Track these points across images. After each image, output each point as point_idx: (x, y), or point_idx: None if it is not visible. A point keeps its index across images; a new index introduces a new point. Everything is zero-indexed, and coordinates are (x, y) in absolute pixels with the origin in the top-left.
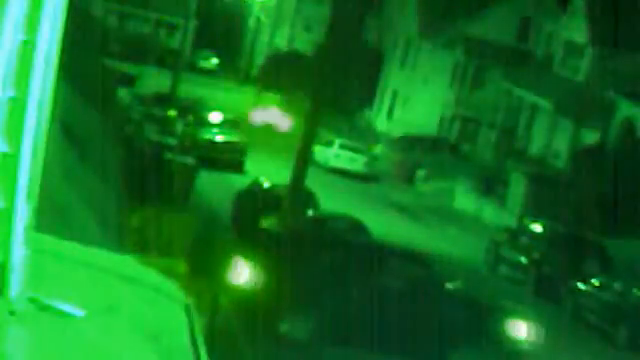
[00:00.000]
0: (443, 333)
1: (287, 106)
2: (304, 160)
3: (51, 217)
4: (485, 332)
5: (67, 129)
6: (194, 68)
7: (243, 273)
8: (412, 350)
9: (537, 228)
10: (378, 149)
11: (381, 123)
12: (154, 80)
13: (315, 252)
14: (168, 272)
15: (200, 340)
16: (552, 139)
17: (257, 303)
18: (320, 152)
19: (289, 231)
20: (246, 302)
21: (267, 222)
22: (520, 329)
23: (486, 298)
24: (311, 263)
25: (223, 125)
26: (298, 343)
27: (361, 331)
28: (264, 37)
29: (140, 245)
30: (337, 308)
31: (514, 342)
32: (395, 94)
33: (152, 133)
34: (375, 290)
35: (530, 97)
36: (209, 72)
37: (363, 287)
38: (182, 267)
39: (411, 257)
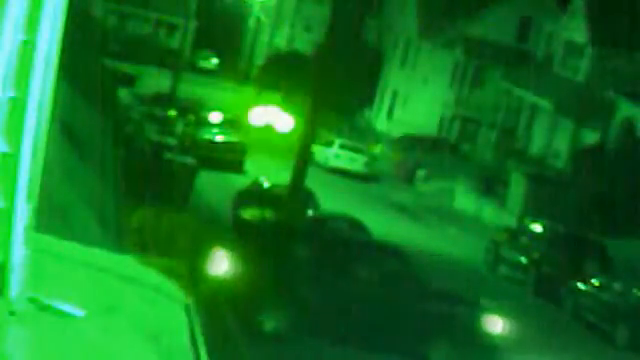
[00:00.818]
0: (423, 328)
1: (287, 106)
2: (304, 160)
3: (51, 217)
4: (465, 327)
5: (67, 129)
6: (194, 68)
7: (223, 266)
8: (391, 345)
9: (537, 228)
10: (378, 149)
11: (381, 123)
12: (154, 80)
13: (297, 246)
14: (168, 272)
15: (200, 340)
16: (552, 139)
17: (238, 296)
18: (320, 152)
19: (269, 222)
20: (226, 296)
21: (248, 213)
22: (499, 325)
23: (468, 294)
24: (291, 257)
25: (223, 125)
26: (280, 338)
27: (340, 326)
28: (264, 37)
29: (140, 245)
30: (316, 302)
31: (493, 337)
32: (395, 94)
33: (152, 133)
34: (357, 285)
35: (530, 97)
36: (209, 72)
37: (343, 282)
38: (182, 267)
39: (392, 253)
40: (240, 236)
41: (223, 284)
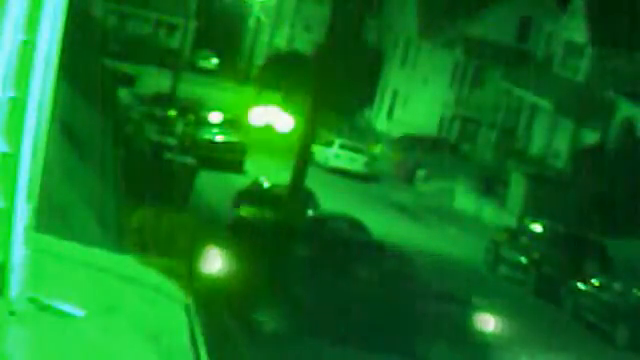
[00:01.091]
0: (419, 326)
1: (287, 106)
2: (304, 160)
3: (51, 217)
4: (464, 327)
5: (67, 129)
6: (194, 68)
7: (220, 264)
8: (391, 345)
9: (537, 228)
10: (378, 149)
11: (381, 123)
12: (154, 80)
13: (297, 246)
14: (168, 272)
15: (200, 340)
16: (552, 139)
17: (233, 295)
18: (320, 152)
19: (266, 219)
20: (223, 294)
21: (244, 211)
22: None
23: (467, 294)
24: (290, 255)
25: (223, 125)
26: (276, 336)
27: (336, 324)
28: (264, 37)
29: (140, 245)
30: (315, 302)
31: (493, 337)
32: (395, 94)
33: (152, 133)
34: (352, 283)
35: (530, 97)
36: (209, 72)
37: (343, 282)
38: (182, 267)
39: (390, 252)
40: (236, 233)
41: (220, 282)
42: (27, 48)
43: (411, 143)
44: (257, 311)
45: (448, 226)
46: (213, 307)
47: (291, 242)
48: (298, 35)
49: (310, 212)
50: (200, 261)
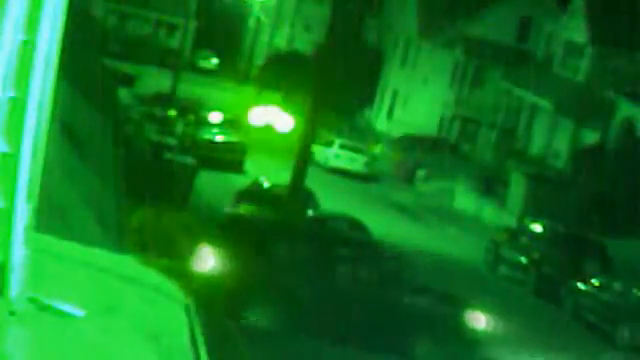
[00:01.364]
0: (409, 325)
1: (287, 106)
2: (304, 160)
3: (51, 217)
4: (458, 326)
5: (67, 129)
6: (194, 68)
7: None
8: (378, 343)
9: (537, 228)
10: (378, 149)
11: (381, 123)
12: (154, 80)
13: (297, 246)
14: (168, 272)
15: (200, 340)
16: (552, 139)
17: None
18: (320, 152)
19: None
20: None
21: (244, 209)
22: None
23: (467, 294)
24: (287, 255)
25: (223, 125)
26: (267, 334)
27: (335, 325)
28: (264, 37)
29: (140, 245)
30: (311, 301)
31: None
32: (395, 94)
33: (152, 133)
34: (352, 283)
35: (530, 97)
36: (209, 72)
37: (343, 282)
38: (182, 267)
39: (391, 255)
40: (230, 232)
41: (217, 281)
42: (27, 48)
43: (411, 143)
44: (254, 311)
45: (448, 226)
46: (213, 307)
47: (290, 242)
48: (298, 35)
49: (310, 212)
50: (198, 260)
